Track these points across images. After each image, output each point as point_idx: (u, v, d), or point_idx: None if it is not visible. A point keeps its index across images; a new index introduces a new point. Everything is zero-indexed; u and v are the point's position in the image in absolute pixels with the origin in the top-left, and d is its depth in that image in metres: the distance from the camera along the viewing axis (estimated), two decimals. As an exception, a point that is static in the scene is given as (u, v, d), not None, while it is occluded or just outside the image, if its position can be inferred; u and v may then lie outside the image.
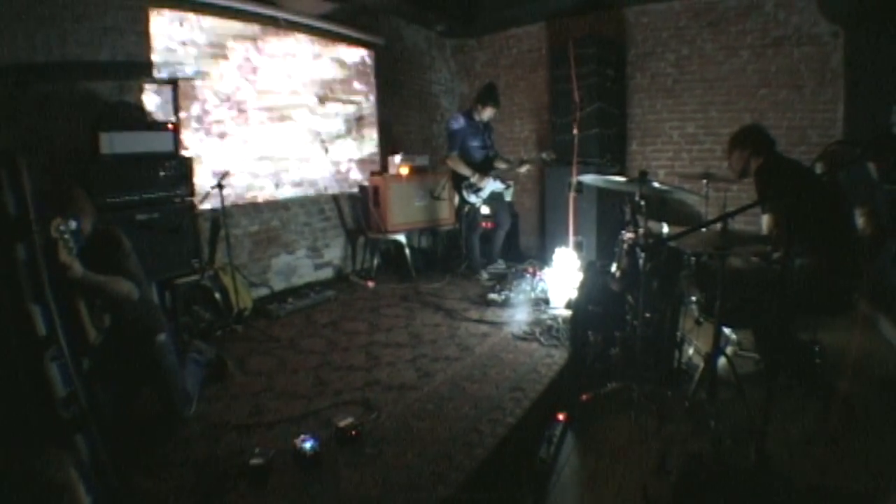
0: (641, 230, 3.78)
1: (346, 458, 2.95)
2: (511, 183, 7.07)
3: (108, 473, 2.25)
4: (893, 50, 5.29)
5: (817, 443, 3.05)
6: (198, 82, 5.48)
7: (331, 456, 2.96)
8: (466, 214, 6.78)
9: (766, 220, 3.61)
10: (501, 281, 6.40)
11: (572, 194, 6.03)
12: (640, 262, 3.63)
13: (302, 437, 2.94)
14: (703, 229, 3.33)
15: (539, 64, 8.55)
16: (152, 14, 5.04)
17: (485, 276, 6.73)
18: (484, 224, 7.10)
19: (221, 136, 5.75)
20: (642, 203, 3.70)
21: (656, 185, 3.72)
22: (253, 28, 6.02)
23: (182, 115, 5.21)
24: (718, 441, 3.00)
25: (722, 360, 3.27)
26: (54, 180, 4.20)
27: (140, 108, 4.88)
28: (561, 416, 3.17)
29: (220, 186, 4.95)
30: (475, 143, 6.63)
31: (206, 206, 5.19)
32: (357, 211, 7.38)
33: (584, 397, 3.54)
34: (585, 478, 2.90)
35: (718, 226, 2.97)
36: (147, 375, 3.33)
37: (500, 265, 6.92)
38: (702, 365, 3.25)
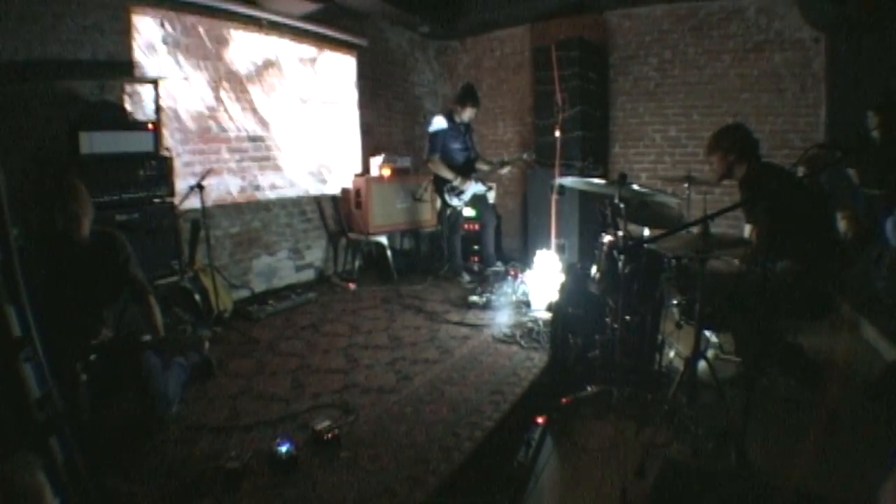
0: (621, 233, 3.78)
1: (323, 462, 2.93)
2: (492, 185, 7.07)
3: (83, 477, 2.21)
4: (874, 55, 5.33)
5: (798, 447, 3.05)
6: (178, 82, 5.43)
7: (307, 459, 2.94)
8: (448, 217, 6.74)
9: (749, 229, 3.61)
10: (483, 283, 6.40)
11: (554, 197, 6.03)
12: (620, 264, 3.62)
13: (278, 440, 2.92)
14: (684, 232, 3.32)
15: (522, 66, 8.55)
16: (133, 13, 5.00)
17: (466, 278, 6.72)
18: (468, 226, 7.10)
19: (202, 137, 5.71)
20: (622, 206, 3.69)
21: (636, 187, 3.71)
22: (234, 28, 5.99)
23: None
24: (698, 444, 3.00)
25: (702, 364, 3.26)
26: (34, 180, 4.16)
27: (121, 107, 4.84)
28: (540, 420, 3.14)
29: (199, 187, 4.90)
30: (456, 146, 6.59)
31: (187, 206, 5.14)
32: (339, 212, 7.35)
33: (563, 400, 3.52)
34: (564, 481, 2.89)
35: (699, 229, 2.96)
36: (129, 375, 3.27)
37: (499, 267, 6.85)
38: (682, 368, 3.23)
